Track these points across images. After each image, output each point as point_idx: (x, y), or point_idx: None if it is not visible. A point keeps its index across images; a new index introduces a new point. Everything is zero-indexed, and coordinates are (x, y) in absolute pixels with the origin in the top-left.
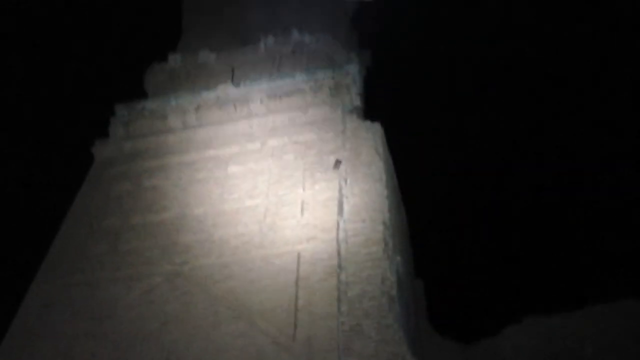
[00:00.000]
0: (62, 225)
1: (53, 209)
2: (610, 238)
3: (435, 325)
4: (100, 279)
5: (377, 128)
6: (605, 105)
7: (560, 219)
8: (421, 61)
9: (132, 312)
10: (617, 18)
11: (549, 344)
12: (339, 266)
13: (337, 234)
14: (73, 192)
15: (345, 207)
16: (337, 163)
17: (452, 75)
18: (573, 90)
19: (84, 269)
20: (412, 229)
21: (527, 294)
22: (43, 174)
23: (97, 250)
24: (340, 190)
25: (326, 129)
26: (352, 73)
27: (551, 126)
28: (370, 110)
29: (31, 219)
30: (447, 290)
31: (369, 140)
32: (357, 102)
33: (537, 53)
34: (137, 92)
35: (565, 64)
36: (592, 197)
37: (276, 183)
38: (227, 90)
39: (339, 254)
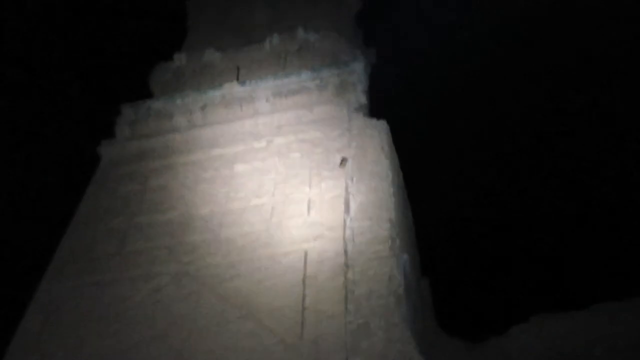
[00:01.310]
0: (69, 226)
1: (59, 210)
2: (621, 236)
3: (442, 324)
4: (108, 279)
5: (383, 126)
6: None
7: (569, 216)
8: (427, 58)
9: (140, 312)
10: None
11: (556, 343)
12: (346, 265)
13: (344, 232)
14: (79, 193)
15: (352, 205)
16: (344, 161)
17: (460, 72)
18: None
19: (91, 270)
20: (418, 227)
21: (535, 292)
22: (49, 175)
23: (104, 250)
24: (346, 188)
25: (332, 127)
26: (358, 71)
27: (569, 121)
28: (376, 108)
29: (38, 221)
30: (454, 289)
31: (375, 138)
32: (363, 99)
33: (545, 51)
34: (142, 91)
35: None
36: (602, 193)
37: (282, 182)
38: (232, 89)
39: (345, 252)
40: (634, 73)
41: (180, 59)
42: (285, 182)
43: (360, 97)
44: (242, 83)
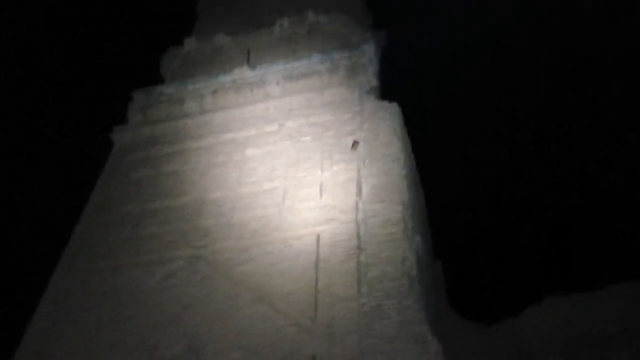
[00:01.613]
0: (83, 212)
1: (73, 196)
2: (633, 216)
3: (454, 306)
4: (122, 264)
5: (394, 108)
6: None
7: (582, 197)
8: (439, 39)
9: (155, 297)
10: None
11: (570, 324)
12: (359, 247)
13: (357, 215)
14: (93, 179)
15: (364, 188)
16: (355, 144)
17: (471, 53)
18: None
19: (105, 255)
20: (430, 209)
21: (548, 273)
22: (62, 161)
23: (118, 236)
24: (358, 171)
25: (343, 110)
26: (369, 53)
27: (582, 102)
28: (387, 90)
29: (51, 207)
30: (467, 271)
31: (387, 120)
32: (374, 82)
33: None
34: (153, 77)
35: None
36: (614, 174)
37: (294, 165)
38: (243, 73)
39: (358, 235)
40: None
41: (190, 43)
42: (297, 165)
43: (371, 79)
44: (253, 67)
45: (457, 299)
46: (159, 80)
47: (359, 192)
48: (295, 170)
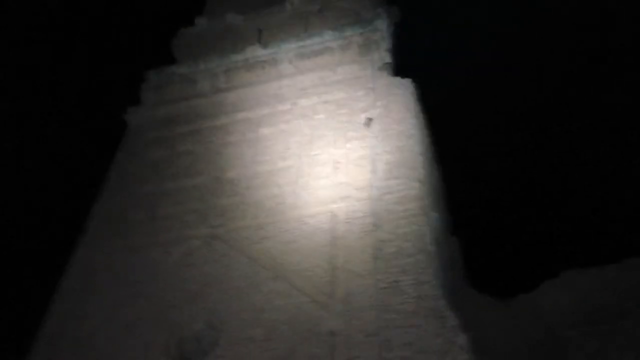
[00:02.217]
0: (100, 192)
1: (90, 177)
2: None
3: (471, 282)
4: (141, 244)
5: (408, 84)
6: None
7: (598, 173)
8: (453, 15)
9: (173, 276)
10: None
11: (587, 298)
12: (374, 224)
13: (371, 192)
14: (107, 159)
15: (379, 165)
16: (369, 121)
17: (486, 29)
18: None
19: (124, 235)
20: (446, 185)
21: (564, 248)
22: (77, 142)
23: (136, 216)
24: (372, 148)
25: (356, 87)
26: (381, 29)
27: (595, 88)
28: (400, 66)
29: (68, 186)
30: (484, 247)
31: (400, 96)
32: (387, 58)
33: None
34: (166, 57)
35: None
36: (627, 152)
37: (308, 143)
38: (255, 52)
39: (373, 212)
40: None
41: (201, 23)
42: (311, 143)
43: (384, 55)
44: (265, 46)
45: (473, 275)
46: (171, 60)
47: (374, 169)
48: (309, 148)
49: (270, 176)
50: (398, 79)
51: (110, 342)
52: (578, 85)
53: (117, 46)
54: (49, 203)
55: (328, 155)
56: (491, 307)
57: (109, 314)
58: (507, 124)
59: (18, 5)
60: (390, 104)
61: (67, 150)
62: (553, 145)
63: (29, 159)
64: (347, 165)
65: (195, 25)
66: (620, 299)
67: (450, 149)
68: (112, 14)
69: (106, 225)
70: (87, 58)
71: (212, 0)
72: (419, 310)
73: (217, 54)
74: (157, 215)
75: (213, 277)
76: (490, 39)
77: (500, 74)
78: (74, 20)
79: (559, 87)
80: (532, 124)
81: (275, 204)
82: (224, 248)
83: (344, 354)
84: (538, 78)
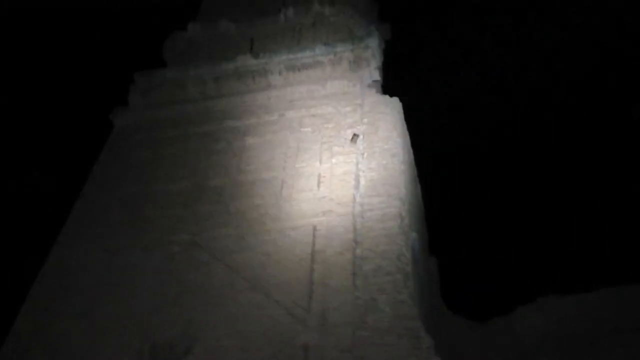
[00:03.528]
0: (81, 191)
1: (72, 175)
2: (630, 224)
3: (448, 303)
4: (120, 245)
5: (395, 103)
6: None
7: (579, 199)
8: (441, 36)
9: (151, 280)
10: None
11: (562, 324)
12: (355, 240)
13: (354, 208)
14: (92, 159)
15: (362, 182)
16: (355, 137)
17: (472, 51)
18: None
19: (103, 235)
20: (426, 205)
21: (542, 274)
22: (62, 140)
23: (116, 217)
24: (357, 164)
25: (344, 103)
26: (372, 47)
27: (577, 99)
28: (389, 84)
29: (50, 185)
30: (461, 268)
31: (387, 115)
32: (377, 76)
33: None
34: (156, 61)
35: None
36: (611, 178)
37: (293, 156)
38: (246, 61)
39: (354, 228)
40: None
41: (194, 28)
42: (296, 156)
43: (373, 73)
44: (256, 56)
45: (450, 296)
46: (161, 64)
47: (357, 185)
48: (294, 160)
49: (254, 186)
50: (386, 97)
51: (84, 344)
52: (562, 108)
53: (107, 45)
54: (29, 200)
55: (312, 168)
56: (466, 329)
57: (84, 315)
58: (487, 147)
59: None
60: (376, 122)
61: (50, 148)
62: (535, 170)
63: (12, 156)
64: (331, 180)
65: (187, 31)
66: (593, 326)
67: (432, 169)
68: (105, 12)
69: (86, 225)
70: (77, 56)
71: (206, 7)
72: (395, 329)
73: (207, 61)
74: (138, 218)
75: (191, 284)
76: (480, 59)
77: (487, 94)
78: (67, 17)
79: (544, 110)
80: (514, 149)
81: (258, 215)
82: (203, 255)
83: None
84: (525, 100)
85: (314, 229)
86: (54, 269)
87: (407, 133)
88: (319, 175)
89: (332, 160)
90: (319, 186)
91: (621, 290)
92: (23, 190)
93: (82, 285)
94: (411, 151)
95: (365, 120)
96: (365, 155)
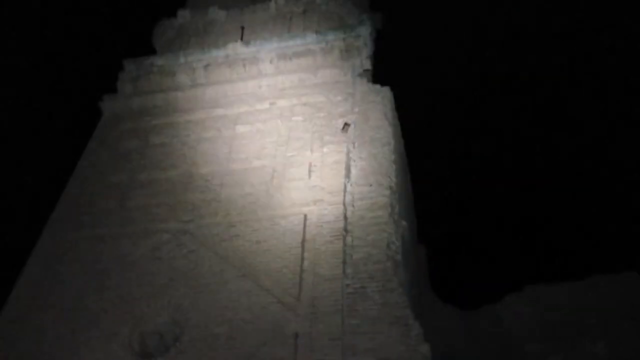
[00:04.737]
0: (69, 179)
1: (60, 162)
2: (615, 214)
3: (436, 291)
4: (108, 234)
5: (386, 92)
6: None
7: (566, 188)
8: (433, 25)
9: (140, 268)
10: None
11: (549, 313)
12: (345, 229)
13: (344, 197)
14: (80, 146)
15: (353, 171)
16: (346, 126)
17: (464, 40)
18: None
19: (91, 224)
20: (416, 194)
21: (529, 262)
22: (50, 127)
23: (104, 205)
24: (348, 153)
25: (336, 92)
26: (363, 35)
27: (568, 91)
28: (380, 73)
29: (38, 172)
30: (450, 257)
31: (378, 104)
32: (368, 65)
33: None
34: (145, 48)
35: None
36: (598, 168)
37: (284, 144)
38: (236, 49)
39: (345, 217)
40: None
41: (183, 15)
42: (287, 144)
43: (365, 62)
44: (247, 43)
45: (439, 284)
46: (151, 51)
47: (348, 174)
48: (285, 149)
49: (244, 174)
50: (377, 86)
51: (72, 333)
52: (558, 98)
53: (95, 32)
54: (16, 189)
55: (303, 157)
56: (455, 316)
57: (72, 303)
58: (476, 137)
59: None
60: (368, 111)
61: (38, 133)
62: (526, 158)
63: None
64: (321, 169)
65: (177, 18)
66: (581, 315)
67: (421, 158)
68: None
69: (74, 213)
70: (65, 43)
71: None
72: (384, 317)
73: (197, 48)
74: (126, 206)
75: (180, 272)
76: (472, 49)
77: (479, 84)
78: (54, 3)
79: (539, 98)
80: (503, 139)
81: (248, 203)
82: (193, 243)
83: (307, 356)
84: (518, 90)
85: (305, 217)
86: (41, 259)
87: (398, 122)
88: (310, 164)
89: (323, 149)
90: (309, 175)
91: (609, 278)
92: (8, 178)
93: (70, 273)
94: (402, 141)
95: (357, 109)
96: (356, 144)
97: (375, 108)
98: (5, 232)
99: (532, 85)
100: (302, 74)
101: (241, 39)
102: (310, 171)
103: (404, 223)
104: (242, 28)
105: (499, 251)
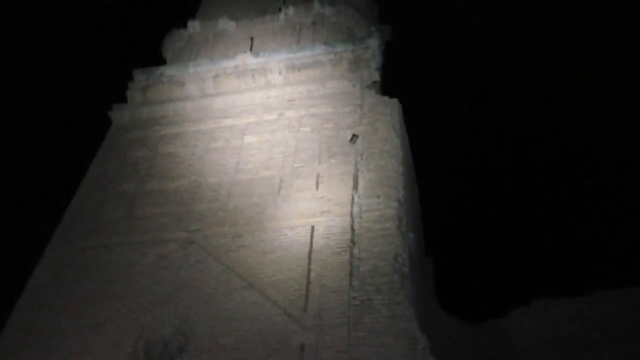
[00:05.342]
0: (78, 187)
1: (70, 171)
2: (622, 229)
3: (442, 304)
4: (116, 243)
5: (394, 104)
6: None
7: (574, 204)
8: (440, 37)
9: (147, 277)
10: None
11: (555, 328)
12: (352, 241)
13: (352, 208)
14: (89, 155)
15: (360, 182)
16: (354, 137)
17: (472, 53)
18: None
19: (99, 233)
20: (423, 206)
21: (536, 277)
22: (60, 136)
23: (112, 214)
24: (355, 165)
25: (344, 103)
26: (372, 47)
27: (575, 101)
28: (388, 85)
29: (48, 180)
30: (457, 270)
31: (387, 115)
32: (376, 76)
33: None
34: (155, 58)
35: None
36: (606, 184)
37: (292, 155)
38: (245, 59)
39: (352, 228)
40: None
41: (193, 26)
42: (295, 155)
43: (373, 74)
44: (256, 54)
45: (446, 297)
46: (160, 61)
47: (355, 186)
48: (292, 160)
49: (251, 185)
50: (386, 98)
51: (78, 340)
52: (562, 109)
53: (106, 42)
54: (26, 197)
55: (311, 168)
56: (461, 330)
57: (78, 311)
58: (484, 150)
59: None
60: (376, 122)
61: (50, 143)
62: (533, 172)
63: (10, 153)
64: (329, 180)
65: (187, 28)
66: (587, 330)
67: (429, 170)
68: (105, 11)
69: (82, 222)
70: (77, 53)
71: (205, 5)
72: (391, 330)
73: (207, 58)
74: (134, 215)
75: (186, 282)
76: (480, 61)
77: (487, 96)
78: (68, 15)
79: (543, 111)
80: (511, 151)
81: (255, 213)
82: (199, 253)
83: None
84: (525, 102)
85: (312, 228)
86: (49, 266)
87: (406, 134)
88: (318, 175)
89: (331, 160)
90: (317, 186)
91: (615, 293)
92: (17, 186)
93: (77, 282)
94: (410, 153)
95: (365, 120)
96: (364, 155)
97: (384, 120)
98: (13, 239)
99: (547, 96)
100: (311, 85)
101: (250, 49)
102: (317, 182)
103: (411, 235)
104: (252, 39)
105: (506, 265)
